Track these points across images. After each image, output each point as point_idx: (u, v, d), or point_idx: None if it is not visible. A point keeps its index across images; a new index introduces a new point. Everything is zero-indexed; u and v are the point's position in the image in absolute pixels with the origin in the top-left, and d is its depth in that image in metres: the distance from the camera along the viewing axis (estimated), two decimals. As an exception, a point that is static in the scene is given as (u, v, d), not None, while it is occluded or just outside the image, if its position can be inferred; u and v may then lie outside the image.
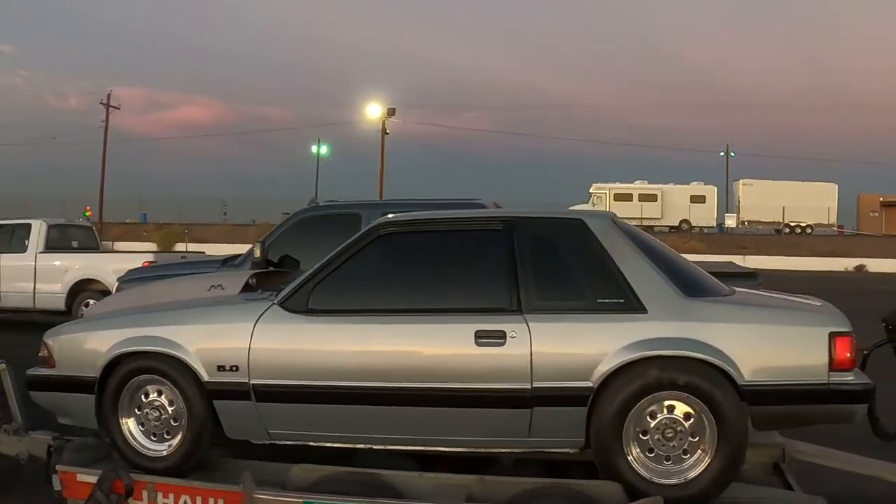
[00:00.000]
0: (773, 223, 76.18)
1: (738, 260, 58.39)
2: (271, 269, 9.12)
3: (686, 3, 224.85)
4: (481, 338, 6.14)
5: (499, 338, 6.11)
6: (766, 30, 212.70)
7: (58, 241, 20.70)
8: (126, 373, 6.75)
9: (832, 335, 5.96)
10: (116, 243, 60.68)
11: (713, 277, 6.97)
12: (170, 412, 6.73)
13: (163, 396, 6.75)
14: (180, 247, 54.13)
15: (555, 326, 6.14)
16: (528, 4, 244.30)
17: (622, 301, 6.13)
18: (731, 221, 78.79)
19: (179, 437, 6.68)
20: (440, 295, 6.49)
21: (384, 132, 71.43)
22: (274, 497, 6.06)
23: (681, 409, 5.98)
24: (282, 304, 6.62)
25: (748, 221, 77.47)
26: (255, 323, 6.55)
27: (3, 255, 20.12)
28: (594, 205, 76.98)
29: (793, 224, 75.47)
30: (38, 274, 19.24)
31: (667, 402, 5.98)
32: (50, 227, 20.51)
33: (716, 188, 79.04)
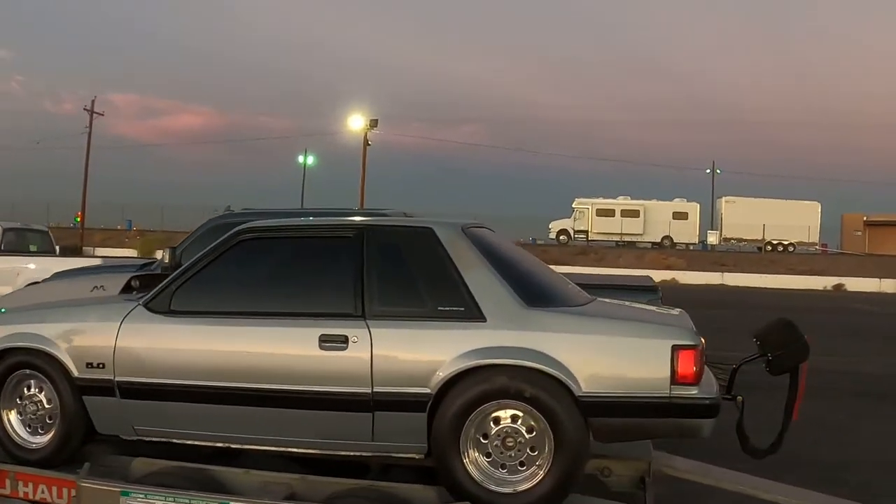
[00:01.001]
0: (755, 241, 76.22)
1: (716, 278, 58.96)
2: (158, 271, 9.00)
3: (675, 19, 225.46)
4: (325, 342, 6.19)
5: (341, 342, 6.16)
6: (754, 47, 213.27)
7: (13, 244, 20.93)
8: (6, 367, 6.97)
9: (675, 348, 5.86)
10: (97, 249, 60.73)
11: (575, 288, 7.02)
12: (46, 407, 6.92)
13: (40, 391, 6.94)
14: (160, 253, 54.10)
15: (395, 333, 6.17)
16: (518, 20, 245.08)
17: (462, 309, 6.13)
18: (713, 238, 78.85)
19: (53, 430, 6.85)
20: (291, 299, 6.56)
21: (366, 143, 71.61)
22: (96, 485, 6.12)
23: (517, 418, 5.95)
24: (146, 305, 6.76)
25: (731, 239, 77.44)
26: (121, 322, 6.70)
27: None
28: (576, 220, 77.30)
29: (775, 242, 75.58)
30: None
31: (503, 412, 5.96)
32: (5, 231, 20.91)
33: (699, 205, 78.92)
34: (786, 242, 75.67)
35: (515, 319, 6.06)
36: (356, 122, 73.32)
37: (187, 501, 5.79)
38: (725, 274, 59.67)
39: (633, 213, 76.77)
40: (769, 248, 75.04)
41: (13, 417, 6.98)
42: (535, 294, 6.32)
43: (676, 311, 7.09)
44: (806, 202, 77.38)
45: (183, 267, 6.94)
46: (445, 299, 6.20)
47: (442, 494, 6.05)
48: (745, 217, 75.33)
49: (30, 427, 6.95)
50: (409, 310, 6.25)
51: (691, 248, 76.01)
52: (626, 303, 7.60)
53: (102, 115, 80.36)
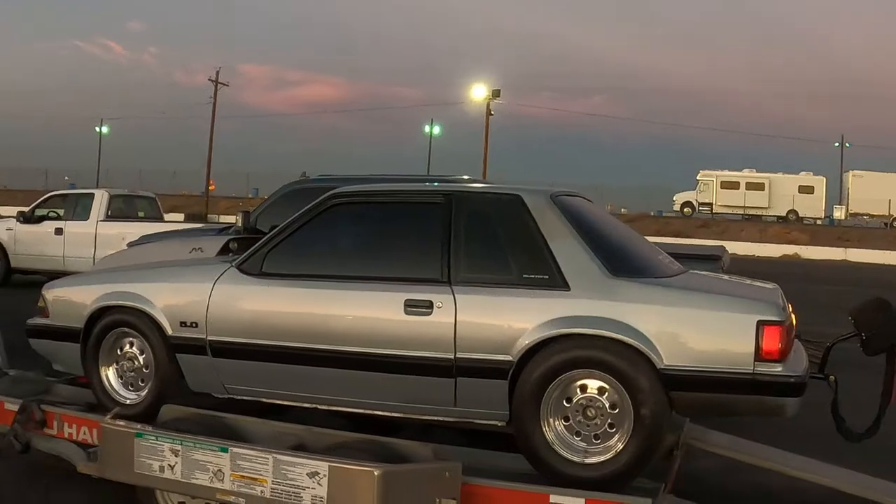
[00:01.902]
0: (882, 216, 74.19)
1: (839, 253, 57.74)
2: (255, 235, 9.23)
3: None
4: (410, 306, 6.17)
5: (426, 307, 6.14)
6: (891, 18, 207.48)
7: (120, 211, 21.48)
8: (105, 325, 7.14)
9: (760, 323, 5.63)
10: (222, 216, 61.79)
11: (666, 258, 6.87)
12: (141, 363, 7.09)
13: (136, 349, 7.12)
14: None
15: (479, 299, 6.11)
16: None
17: (546, 277, 6.02)
18: (839, 213, 76.88)
19: (148, 387, 7.04)
20: (378, 263, 6.57)
21: (488, 113, 71.38)
22: (115, 427, 6.20)
23: (598, 389, 5.84)
24: (239, 267, 6.82)
25: (857, 214, 75.74)
26: (214, 283, 6.80)
27: (69, 222, 21.10)
28: (700, 192, 76.21)
29: (902, 217, 73.48)
30: (98, 240, 19.79)
31: (584, 381, 5.85)
32: (112, 197, 21.36)
33: (825, 179, 76.64)
34: (916, 219, 73.39)
35: (599, 289, 5.93)
36: (479, 92, 73.33)
37: (192, 444, 5.82)
38: (849, 250, 58.41)
39: (758, 186, 75.28)
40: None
41: (111, 374, 7.21)
42: (621, 264, 6.17)
43: (770, 286, 6.82)
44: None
45: (275, 230, 6.98)
46: (530, 267, 6.11)
47: (437, 452, 5.84)
48: (872, 192, 73.05)
49: (128, 384, 7.17)
50: (493, 276, 6.18)
51: (818, 222, 74.61)
52: (721, 275, 7.38)
53: (227, 85, 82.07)
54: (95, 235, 19.94)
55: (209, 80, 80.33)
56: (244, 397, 6.87)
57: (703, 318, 5.80)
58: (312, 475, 5.48)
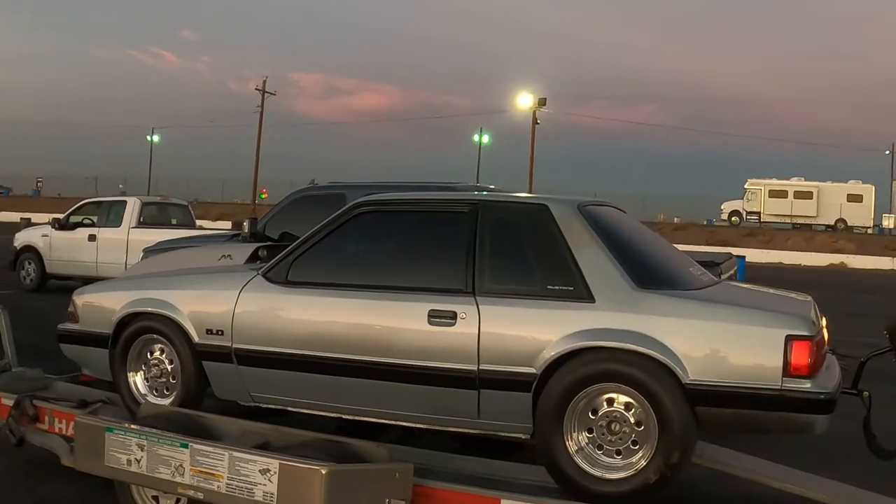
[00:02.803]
0: (931, 226, 73.47)
1: (887, 263, 57.11)
2: (278, 242, 9.27)
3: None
4: (434, 317, 6.15)
5: (450, 318, 6.11)
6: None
7: (153, 218, 21.78)
8: (133, 331, 7.25)
9: (789, 338, 5.49)
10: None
11: (697, 270, 6.78)
12: (169, 370, 7.19)
13: (163, 355, 7.21)
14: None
15: (503, 310, 6.06)
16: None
17: (571, 289, 5.96)
18: (888, 222, 76.20)
19: (175, 393, 7.14)
20: (403, 273, 6.55)
21: (535, 122, 71.41)
22: (87, 421, 6.44)
23: (623, 402, 5.77)
24: (265, 275, 6.86)
25: (905, 223, 74.91)
26: (240, 291, 6.85)
27: (102, 228, 21.43)
28: (748, 200, 75.73)
29: (955, 228, 72.55)
30: (129, 247, 20.02)
31: (610, 395, 5.79)
32: (144, 205, 21.73)
33: (874, 187, 75.62)
34: (965, 228, 72.48)
35: (625, 301, 5.85)
36: (525, 101, 73.37)
37: (156, 440, 5.97)
38: (896, 259, 57.85)
39: (806, 195, 74.65)
40: (946, 233, 72.19)
41: (139, 380, 7.30)
42: (648, 276, 6.08)
43: (803, 298, 6.70)
44: None
45: (301, 238, 6.99)
46: (555, 278, 6.04)
47: (392, 452, 5.90)
48: (922, 200, 72.68)
49: (154, 389, 7.25)
50: (518, 287, 6.13)
51: (868, 231, 73.88)
52: (754, 287, 7.26)
53: (274, 94, 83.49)
54: (127, 242, 20.16)
55: (256, 89, 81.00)
56: (269, 405, 6.92)
57: (730, 332, 5.67)
58: (264, 472, 5.58)
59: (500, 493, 5.77)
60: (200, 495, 5.88)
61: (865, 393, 6.23)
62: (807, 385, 5.47)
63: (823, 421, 5.58)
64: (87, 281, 20.80)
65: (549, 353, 5.82)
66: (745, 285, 7.28)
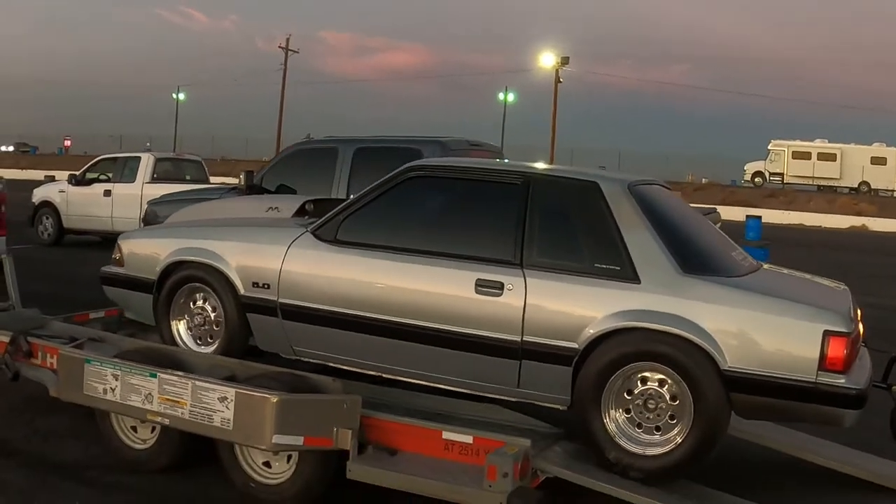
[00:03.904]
0: (956, 187, 72.89)
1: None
2: (330, 198, 9.40)
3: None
4: (481, 286, 6.28)
5: (497, 288, 6.24)
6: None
7: (167, 173, 22.08)
8: (178, 279, 7.40)
9: (827, 333, 5.66)
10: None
11: (740, 255, 6.93)
12: (212, 319, 7.34)
13: (208, 304, 7.37)
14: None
15: (550, 284, 6.19)
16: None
17: (618, 268, 6.09)
18: (911, 186, 75.85)
19: (218, 342, 7.30)
20: (452, 240, 6.64)
21: (557, 80, 71.25)
22: (68, 353, 6.96)
23: (662, 382, 5.96)
24: (314, 233, 6.99)
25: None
26: (289, 247, 6.97)
27: (117, 184, 21.84)
28: (771, 161, 75.36)
29: (980, 188, 71.97)
30: (143, 202, 20.27)
31: (649, 374, 5.97)
32: (158, 161, 22.09)
33: (898, 150, 75.73)
34: None
35: (670, 285, 5.98)
36: (547, 60, 73.29)
37: (129, 370, 6.40)
38: (917, 221, 57.55)
39: (830, 157, 74.08)
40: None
41: (182, 327, 7.47)
42: (693, 260, 6.20)
43: (840, 288, 6.95)
44: None
45: (352, 198, 7.12)
46: (603, 257, 6.17)
47: (345, 386, 6.36)
48: (945, 162, 72.08)
49: (197, 338, 7.43)
50: (565, 263, 6.23)
51: (894, 194, 73.46)
52: (793, 273, 7.43)
53: (297, 52, 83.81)
54: (141, 197, 20.45)
55: (279, 47, 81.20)
56: (311, 360, 7.07)
57: (769, 323, 5.83)
58: (222, 400, 6.05)
59: (441, 425, 6.17)
60: (167, 421, 6.37)
61: (894, 387, 6.48)
62: (841, 380, 5.64)
63: (853, 415, 5.75)
64: (104, 236, 21.40)
65: (593, 330, 5.99)
66: (784, 271, 7.46)
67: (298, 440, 5.95)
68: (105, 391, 6.51)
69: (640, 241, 6.14)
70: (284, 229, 7.26)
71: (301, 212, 7.96)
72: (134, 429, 7.01)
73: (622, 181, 6.59)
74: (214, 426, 6.09)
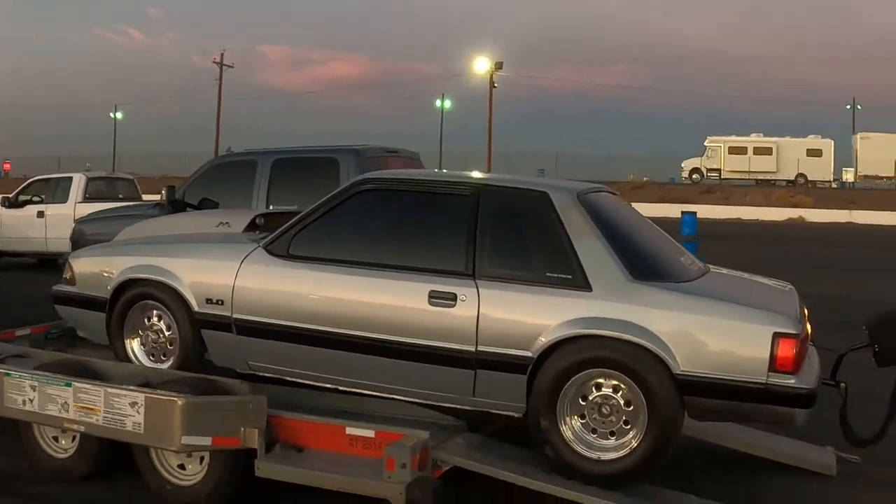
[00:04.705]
0: (892, 178, 73.96)
1: (844, 216, 57.63)
2: (278, 210, 9.42)
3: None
4: (434, 297, 6.35)
5: (450, 299, 6.31)
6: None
7: (100, 192, 22.07)
8: (131, 297, 7.38)
9: (776, 335, 5.80)
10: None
11: (688, 259, 7.06)
12: (166, 336, 7.34)
13: (161, 321, 7.37)
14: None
15: (503, 294, 6.28)
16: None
17: (570, 277, 6.18)
18: (848, 176, 76.99)
19: (172, 359, 7.29)
20: (404, 252, 6.72)
21: (492, 85, 72.08)
22: None
23: (616, 388, 6.06)
24: (266, 248, 7.03)
25: (869, 176, 75.50)
26: (242, 262, 7.01)
27: (50, 205, 21.81)
28: (708, 157, 76.28)
29: (916, 179, 73.07)
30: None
31: (602, 380, 6.07)
32: (90, 180, 22.09)
33: (832, 142, 76.37)
34: (928, 180, 73.03)
35: (621, 292, 6.09)
36: (482, 65, 73.94)
37: (45, 381, 6.61)
38: (854, 212, 58.34)
39: (766, 151, 75.09)
40: (907, 185, 72.80)
41: (136, 345, 7.44)
42: (643, 267, 6.33)
43: (787, 289, 7.08)
44: (949, 137, 74.43)
45: (304, 212, 7.11)
46: (554, 266, 6.26)
47: (253, 388, 6.61)
48: (880, 153, 72.83)
49: (151, 355, 7.39)
50: (517, 273, 6.33)
51: (833, 185, 74.51)
52: (741, 275, 7.58)
53: (232, 66, 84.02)
54: (74, 217, 20.48)
55: (214, 62, 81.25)
56: (266, 374, 7.09)
57: (720, 327, 5.97)
58: (133, 405, 6.29)
59: (345, 421, 6.38)
60: (83, 428, 6.58)
61: (842, 384, 6.61)
62: (791, 380, 5.78)
63: (804, 414, 5.91)
64: (39, 257, 21.44)
65: (546, 339, 6.07)
66: (732, 273, 7.61)
67: (207, 440, 6.20)
68: (24, 402, 6.70)
69: (591, 250, 6.25)
70: (237, 245, 7.33)
71: (252, 226, 8.03)
72: (56, 438, 7.18)
73: (571, 190, 6.70)
74: (127, 431, 6.32)
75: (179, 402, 6.14)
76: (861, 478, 7.60)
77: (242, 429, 6.22)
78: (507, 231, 6.58)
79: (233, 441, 6.24)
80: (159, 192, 13.02)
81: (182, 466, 6.66)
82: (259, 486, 6.41)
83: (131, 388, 6.45)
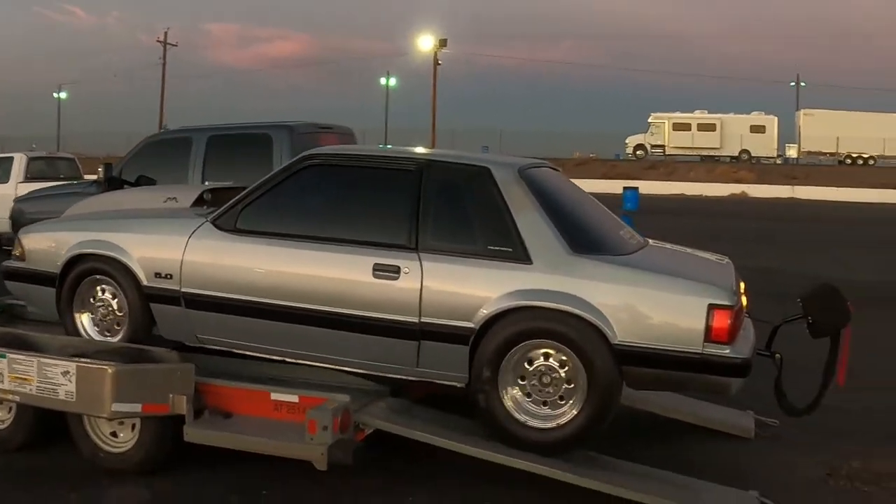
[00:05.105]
0: (834, 154, 74.95)
1: (787, 191, 58.42)
2: (228, 185, 9.28)
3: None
4: (378, 270, 6.51)
5: (393, 272, 6.47)
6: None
7: (41, 172, 21.86)
8: (81, 272, 7.45)
9: (711, 307, 6.00)
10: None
11: (627, 233, 7.26)
12: (116, 310, 7.41)
13: (110, 296, 7.42)
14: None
15: (445, 267, 6.44)
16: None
17: (510, 250, 6.37)
18: (792, 152, 78.00)
19: (122, 333, 7.37)
20: (349, 226, 6.85)
21: (436, 62, 72.20)
22: None
23: (554, 358, 6.25)
24: (214, 222, 7.13)
25: (809, 152, 76.37)
26: (190, 237, 7.10)
27: None
28: (652, 134, 76.90)
29: (854, 155, 74.11)
30: None
31: (543, 351, 6.26)
32: (31, 160, 21.93)
33: (776, 118, 77.75)
34: (865, 156, 74.08)
35: (561, 265, 6.27)
36: (426, 43, 74.08)
37: None
38: (796, 187, 59.07)
39: (710, 127, 75.90)
40: (848, 161, 73.77)
41: (85, 319, 7.51)
42: (582, 240, 6.49)
43: (724, 262, 7.31)
44: (887, 114, 75.32)
45: (251, 187, 7.22)
46: (496, 239, 6.44)
47: (183, 357, 6.74)
48: (823, 130, 73.76)
49: (100, 328, 7.47)
50: (460, 246, 6.49)
51: (777, 161, 75.31)
52: (679, 249, 7.77)
53: (176, 45, 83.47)
54: (16, 196, 20.35)
55: (158, 41, 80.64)
56: (215, 347, 7.21)
57: (656, 299, 6.17)
58: (65, 374, 6.44)
59: (269, 387, 6.66)
60: (18, 398, 6.76)
61: (777, 355, 6.77)
62: (726, 350, 5.99)
63: (738, 383, 6.13)
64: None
65: (488, 310, 6.26)
66: (670, 247, 7.81)
67: (137, 407, 6.37)
68: None
69: (531, 224, 6.41)
70: (185, 220, 7.42)
71: (199, 202, 8.10)
72: None
73: (512, 165, 6.88)
74: (60, 399, 6.45)
75: (109, 371, 6.29)
76: (780, 441, 7.89)
77: (171, 396, 6.39)
78: (449, 205, 6.72)
79: (162, 408, 6.42)
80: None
81: (114, 434, 6.79)
82: (195, 452, 6.58)
83: (63, 357, 6.56)
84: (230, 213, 7.10)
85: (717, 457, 7.50)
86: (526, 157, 7.49)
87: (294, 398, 6.47)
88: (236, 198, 7.21)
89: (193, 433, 6.42)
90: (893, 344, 8.68)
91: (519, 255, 6.33)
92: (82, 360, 6.48)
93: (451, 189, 6.76)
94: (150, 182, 11.88)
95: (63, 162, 23.56)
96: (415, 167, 6.84)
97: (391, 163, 7.12)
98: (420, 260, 6.47)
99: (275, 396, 6.53)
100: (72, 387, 6.37)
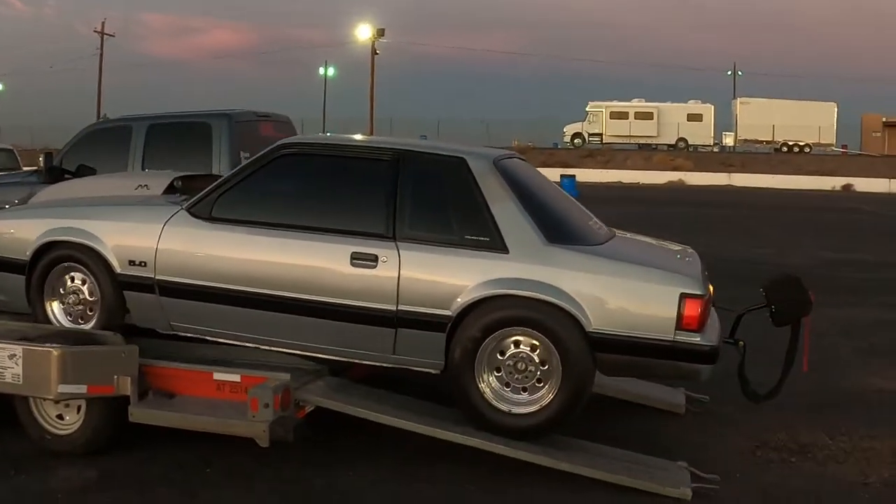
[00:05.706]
0: (770, 142, 76.07)
1: (723, 179, 59.37)
2: (198, 173, 9.40)
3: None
4: (356, 259, 6.64)
5: (371, 260, 6.61)
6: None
7: None
8: (51, 259, 7.42)
9: (683, 296, 6.25)
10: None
11: (596, 224, 7.47)
12: (88, 298, 7.42)
13: (82, 283, 7.42)
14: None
15: (422, 256, 6.60)
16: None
17: (487, 240, 6.56)
18: (729, 140, 79.20)
19: (94, 320, 7.38)
20: (326, 215, 6.96)
21: (374, 52, 72.27)
22: None
23: (531, 346, 6.46)
24: (189, 210, 7.17)
25: (746, 140, 77.51)
26: (164, 224, 7.14)
27: None
28: (590, 122, 77.42)
29: (790, 143, 75.24)
30: None
31: (519, 338, 6.47)
32: None
33: (713, 107, 78.79)
34: (801, 144, 75.26)
35: (536, 254, 6.47)
36: (364, 32, 74.08)
37: None
38: (733, 175, 59.96)
39: (647, 116, 76.63)
40: (784, 149, 74.89)
41: (56, 307, 7.48)
42: (556, 231, 6.70)
43: (690, 253, 7.53)
44: (821, 103, 76.86)
45: (226, 175, 7.33)
46: (472, 229, 6.62)
47: (128, 339, 6.88)
48: (759, 118, 75.00)
49: (71, 316, 7.45)
50: (437, 235, 6.66)
51: (715, 149, 76.12)
52: (647, 240, 8.01)
53: (113, 35, 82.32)
54: None
55: (95, 31, 79.96)
56: (188, 334, 7.28)
57: (630, 288, 6.43)
58: (12, 357, 6.62)
59: (212, 367, 6.87)
60: None
61: (741, 342, 7.06)
62: (696, 338, 6.28)
63: (708, 370, 6.42)
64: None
65: (465, 299, 6.46)
66: (639, 237, 8.01)
67: (82, 388, 6.56)
68: None
69: (507, 214, 6.61)
70: (159, 207, 7.46)
71: (170, 189, 8.14)
72: None
73: (488, 156, 7.07)
74: (7, 382, 6.63)
75: (55, 353, 6.48)
76: (710, 415, 8.28)
77: (116, 377, 6.60)
78: (426, 195, 6.89)
79: (107, 389, 6.61)
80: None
81: (60, 416, 6.92)
82: (142, 435, 6.82)
83: (10, 341, 6.71)
84: (206, 200, 7.14)
85: (648, 432, 7.74)
86: (498, 149, 7.74)
87: (236, 378, 6.69)
88: (212, 185, 7.27)
89: (139, 413, 6.62)
90: (815, 324, 9.01)
91: (496, 244, 6.53)
92: (29, 343, 6.64)
93: (428, 179, 6.92)
94: (90, 171, 11.91)
95: (1, 153, 23.61)
96: (391, 157, 6.96)
97: (368, 152, 7.26)
98: (398, 249, 6.61)
99: (217, 376, 6.74)
100: (19, 370, 6.55)
